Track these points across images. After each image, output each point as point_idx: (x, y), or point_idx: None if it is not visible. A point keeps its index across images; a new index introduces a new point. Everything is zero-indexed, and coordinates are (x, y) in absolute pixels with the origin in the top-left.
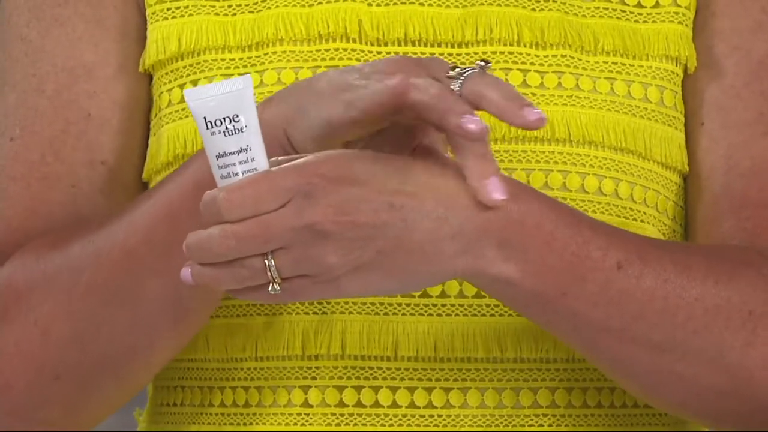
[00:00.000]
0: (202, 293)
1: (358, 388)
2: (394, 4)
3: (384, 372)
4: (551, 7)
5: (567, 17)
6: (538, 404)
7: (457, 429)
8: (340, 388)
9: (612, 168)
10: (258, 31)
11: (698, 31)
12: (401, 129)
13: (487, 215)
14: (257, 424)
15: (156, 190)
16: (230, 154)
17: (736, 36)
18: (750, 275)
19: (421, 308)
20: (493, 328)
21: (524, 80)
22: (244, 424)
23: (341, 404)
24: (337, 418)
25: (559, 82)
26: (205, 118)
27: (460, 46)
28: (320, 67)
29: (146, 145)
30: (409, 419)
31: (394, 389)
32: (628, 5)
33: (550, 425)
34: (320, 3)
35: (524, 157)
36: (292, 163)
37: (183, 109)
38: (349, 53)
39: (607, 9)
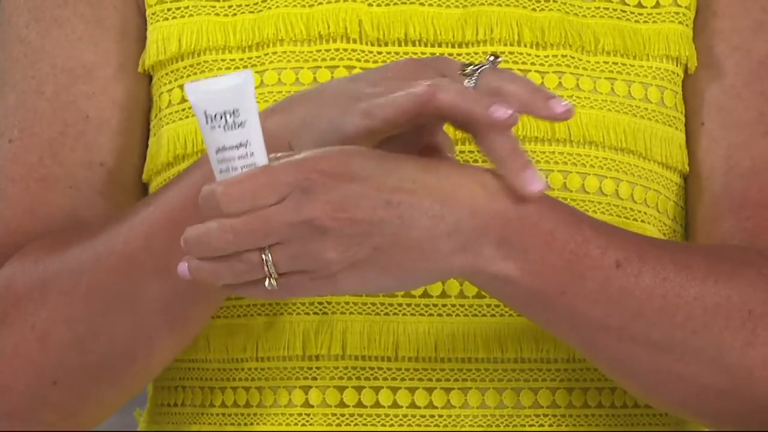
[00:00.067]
0: (202, 298)
1: (359, 389)
2: (395, 4)
3: (385, 372)
4: (551, 7)
5: (567, 17)
6: (538, 404)
7: (457, 429)
8: (341, 389)
9: (612, 168)
10: (258, 31)
11: (699, 31)
12: (409, 131)
13: (485, 214)
14: (258, 424)
15: (156, 196)
16: (229, 148)
17: (737, 36)
18: (750, 275)
19: (422, 308)
20: (493, 329)
21: None
22: (245, 424)
23: (342, 404)
24: (338, 419)
25: (560, 82)
26: (205, 112)
27: (460, 46)
28: (320, 67)
29: (146, 146)
30: (409, 419)
31: (394, 389)
32: (628, 5)
33: (550, 425)
34: (320, 3)
35: None
36: (292, 158)
37: (183, 110)
38: (349, 53)
39: (607, 9)
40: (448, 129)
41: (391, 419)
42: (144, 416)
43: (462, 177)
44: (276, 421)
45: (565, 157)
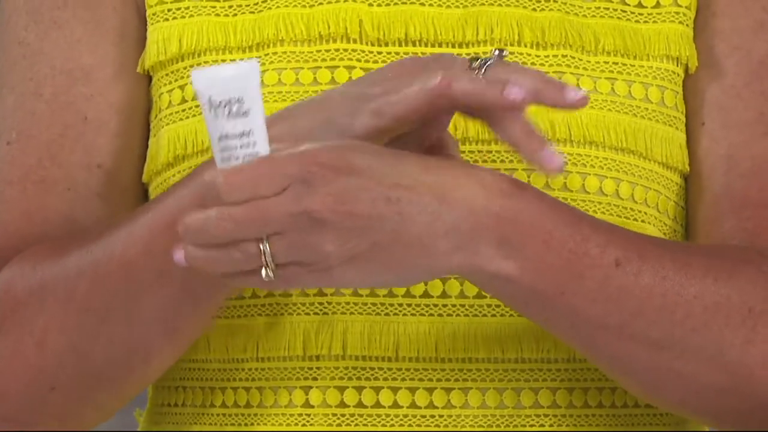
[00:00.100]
0: (200, 303)
1: (360, 389)
2: (395, 4)
3: (385, 372)
4: (552, 7)
5: (568, 17)
6: (539, 404)
7: (458, 429)
8: (342, 389)
9: (613, 168)
10: (258, 31)
11: (699, 31)
12: (415, 132)
13: (483, 213)
14: (258, 424)
15: (156, 202)
16: (232, 136)
17: (737, 36)
18: (750, 273)
19: (422, 308)
20: (494, 329)
21: None
22: (246, 424)
23: (342, 405)
24: (339, 419)
25: None
26: (210, 99)
27: (460, 46)
28: (321, 67)
29: (145, 147)
30: (410, 419)
31: (395, 389)
32: (628, 5)
33: (551, 425)
34: (321, 3)
35: None
36: (294, 150)
37: (183, 110)
38: (349, 53)
39: (607, 9)
40: (451, 129)
41: (392, 419)
42: (144, 416)
43: (462, 176)
44: (276, 421)
45: (565, 157)
